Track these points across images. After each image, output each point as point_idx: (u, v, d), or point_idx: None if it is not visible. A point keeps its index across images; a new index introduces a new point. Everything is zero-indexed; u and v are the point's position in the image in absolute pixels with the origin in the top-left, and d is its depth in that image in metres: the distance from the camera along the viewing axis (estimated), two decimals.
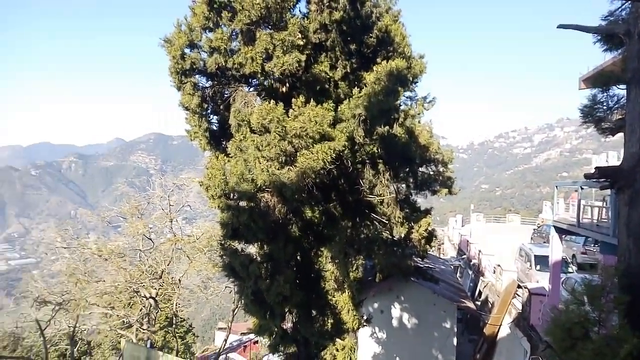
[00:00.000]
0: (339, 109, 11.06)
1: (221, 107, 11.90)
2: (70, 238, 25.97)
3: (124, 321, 24.74)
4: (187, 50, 11.07)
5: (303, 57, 10.46)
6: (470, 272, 30.51)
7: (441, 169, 15.26)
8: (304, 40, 10.61)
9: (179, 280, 25.15)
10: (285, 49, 10.14)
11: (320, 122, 9.64)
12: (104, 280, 24.12)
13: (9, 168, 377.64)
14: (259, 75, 10.89)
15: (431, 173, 14.50)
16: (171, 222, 24.90)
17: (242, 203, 10.21)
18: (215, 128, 12.28)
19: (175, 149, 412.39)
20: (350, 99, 10.96)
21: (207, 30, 10.92)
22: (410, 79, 12.20)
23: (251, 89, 11.73)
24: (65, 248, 25.40)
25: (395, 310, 20.83)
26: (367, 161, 11.89)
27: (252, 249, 11.47)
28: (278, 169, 9.63)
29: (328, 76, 11.89)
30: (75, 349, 25.15)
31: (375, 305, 20.75)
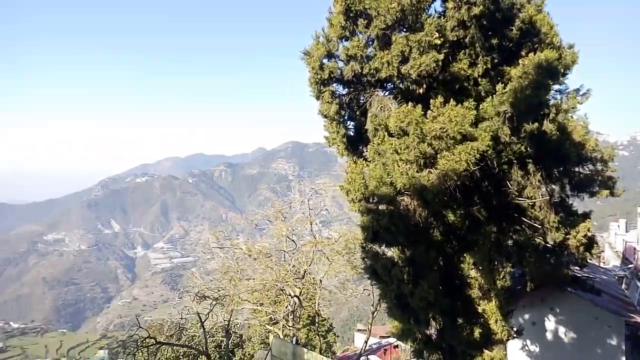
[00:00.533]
0: (480, 108, 10.52)
1: (357, 112, 12.12)
2: (223, 239, 28.47)
3: (271, 317, 26.38)
4: (325, 61, 11.48)
5: (440, 57, 10.19)
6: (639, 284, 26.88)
7: (600, 168, 13.64)
8: (441, 39, 10.32)
9: (320, 280, 26.08)
10: (421, 49, 9.98)
11: (461, 122, 9.30)
12: (254, 279, 25.98)
13: (170, 177, 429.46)
14: (395, 79, 10.86)
15: (588, 173, 13.02)
16: (311, 224, 25.95)
17: (382, 206, 10.24)
18: (352, 134, 12.53)
19: (311, 155, 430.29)
20: (494, 96, 10.36)
21: (343, 40, 11.21)
22: (561, 70, 11.14)
23: (387, 93, 11.73)
24: (219, 248, 27.91)
25: (550, 323, 19.11)
26: (515, 161, 11.11)
27: (393, 252, 11.43)
28: (417, 172, 9.48)
29: (467, 74, 11.40)
30: (229, 341, 27.48)
31: (526, 316, 19.27)
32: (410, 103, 9.85)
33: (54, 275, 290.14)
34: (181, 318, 28.63)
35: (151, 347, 21.48)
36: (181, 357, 27.99)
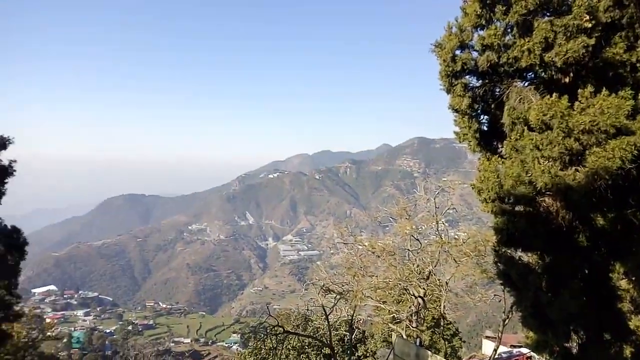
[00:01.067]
0: (639, 97, 9.22)
1: (492, 106, 11.35)
2: (347, 235, 28.82)
3: (394, 316, 26.11)
4: (457, 52, 10.93)
5: (591, 41, 9.10)
6: None
7: None
8: (592, 21, 9.22)
9: (446, 282, 25.15)
10: (569, 34, 9.01)
11: (615, 113, 8.22)
12: (377, 276, 25.91)
13: (299, 173, 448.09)
14: (537, 68, 9.96)
15: None
16: (437, 224, 25.10)
17: (519, 207, 9.47)
18: (485, 128, 11.78)
19: (437, 152, 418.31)
20: None
21: (478, 29, 10.56)
22: None
23: (527, 84, 10.81)
24: (343, 243, 28.32)
25: None
26: None
27: (530, 258, 10.54)
28: (562, 170, 8.59)
29: (623, 59, 10.03)
30: (352, 336, 27.81)
31: None
32: (554, 94, 8.94)
33: (196, 261, 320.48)
34: (307, 309, 29.62)
35: (279, 335, 22.54)
36: (306, 347, 29.01)
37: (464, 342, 42.06)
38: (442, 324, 27.79)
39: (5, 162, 12.88)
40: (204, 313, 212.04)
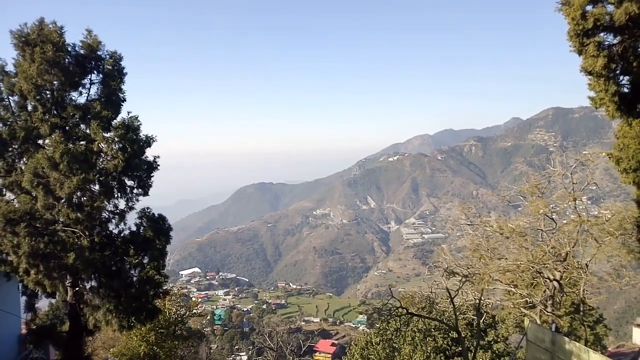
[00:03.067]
0: None
1: (634, 64, 10.05)
2: (473, 216, 27.65)
3: (526, 301, 24.57)
4: (588, 7, 9.83)
5: None
6: None
7: None
8: None
9: (586, 264, 22.95)
10: None
11: None
12: (506, 258, 24.53)
13: (420, 155, 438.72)
14: None
15: None
16: (574, 201, 22.93)
17: None
18: (626, 91, 10.48)
19: (576, 122, 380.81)
20: None
21: None
22: None
23: None
24: (468, 225, 27.20)
25: None
26: None
27: None
28: None
29: None
30: (481, 320, 26.75)
31: None
32: None
33: (322, 245, 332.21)
34: (431, 292, 29.12)
35: (403, 317, 22.53)
36: (432, 330, 28.58)
37: (611, 330, 38.21)
38: (582, 309, 25.51)
39: (151, 158, 14.43)
40: (331, 294, 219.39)
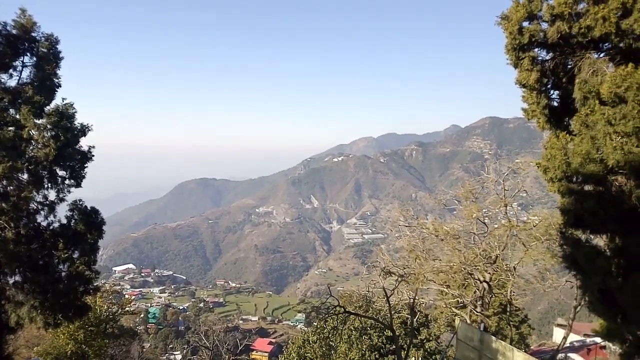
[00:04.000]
0: None
1: (563, 80, 10.69)
2: (410, 218, 28.42)
3: (458, 300, 25.59)
4: (525, 24, 10.37)
5: None
6: None
7: None
8: None
9: (514, 267, 24.25)
10: None
11: None
12: (440, 259, 25.44)
13: (363, 157, 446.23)
14: (613, 37, 9.21)
15: None
16: (505, 207, 24.14)
17: (588, 187, 8.91)
18: (555, 104, 11.13)
19: (510, 132, 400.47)
20: None
21: None
22: None
23: (601, 55, 10.07)
24: (406, 226, 27.97)
25: None
26: None
27: (600, 241, 9.92)
28: (636, 147, 7.96)
29: None
30: (414, 319, 27.58)
31: None
32: (630, 64, 8.27)
33: (263, 243, 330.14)
34: (368, 291, 29.67)
35: (340, 316, 22.83)
36: (368, 328, 29.15)
37: (534, 329, 40.56)
38: (509, 310, 26.90)
39: (85, 148, 13.80)
40: (270, 292, 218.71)
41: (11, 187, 12.52)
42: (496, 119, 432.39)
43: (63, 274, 13.46)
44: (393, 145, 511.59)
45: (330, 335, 29.07)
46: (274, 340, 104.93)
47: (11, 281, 13.53)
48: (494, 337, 18.69)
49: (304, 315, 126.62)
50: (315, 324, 33.89)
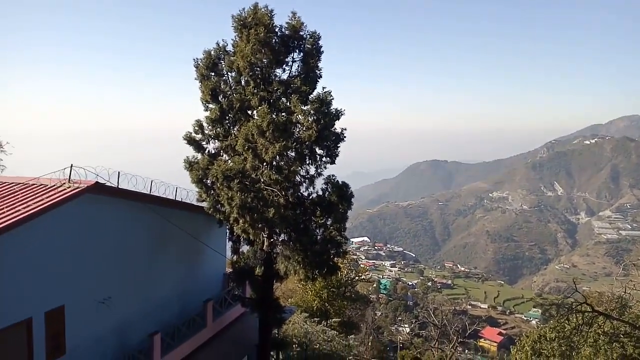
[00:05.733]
0: None
1: None
2: None
3: None
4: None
5: None
6: None
7: None
8: None
9: None
10: None
11: None
12: None
13: (624, 138, 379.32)
14: None
15: None
16: None
17: None
18: None
19: None
20: None
21: None
22: None
23: None
24: None
25: None
26: None
27: None
28: None
29: None
30: None
31: None
32: None
33: (496, 229, 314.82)
34: (625, 292, 26.00)
35: (586, 315, 20.67)
36: (621, 335, 25.66)
37: None
38: None
39: (339, 130, 15.77)
40: (502, 282, 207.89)
41: (282, 162, 15.24)
42: None
43: (319, 237, 15.86)
44: None
45: (571, 335, 26.62)
46: (504, 332, 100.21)
47: (280, 239, 16.59)
48: None
49: (539, 311, 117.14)
50: (552, 322, 31.32)
